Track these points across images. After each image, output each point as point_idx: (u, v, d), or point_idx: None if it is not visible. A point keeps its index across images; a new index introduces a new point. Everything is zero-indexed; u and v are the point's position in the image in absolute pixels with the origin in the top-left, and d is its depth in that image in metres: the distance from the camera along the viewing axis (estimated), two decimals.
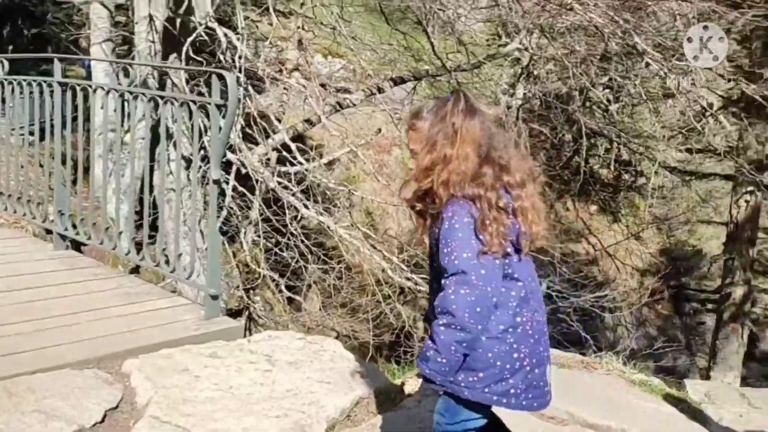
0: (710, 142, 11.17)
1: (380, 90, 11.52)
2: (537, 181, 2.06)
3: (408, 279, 9.69)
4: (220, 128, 3.40)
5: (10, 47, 23.35)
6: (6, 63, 4.51)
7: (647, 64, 9.48)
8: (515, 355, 1.93)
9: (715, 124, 10.97)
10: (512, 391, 1.94)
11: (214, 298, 3.61)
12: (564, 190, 13.79)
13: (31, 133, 5.01)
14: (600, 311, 10.16)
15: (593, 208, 14.91)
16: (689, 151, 12.01)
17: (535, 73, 13.40)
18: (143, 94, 3.62)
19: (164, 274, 4.35)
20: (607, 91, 13.84)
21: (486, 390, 1.94)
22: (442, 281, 1.91)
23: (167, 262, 3.78)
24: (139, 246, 4.05)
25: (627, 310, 11.03)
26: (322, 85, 10.91)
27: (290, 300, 9.75)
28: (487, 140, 1.98)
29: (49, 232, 5.77)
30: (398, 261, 9.84)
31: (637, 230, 14.41)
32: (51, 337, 3.11)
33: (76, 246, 4.45)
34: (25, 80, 4.35)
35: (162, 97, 3.64)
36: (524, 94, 13.76)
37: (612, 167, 15.30)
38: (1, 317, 3.28)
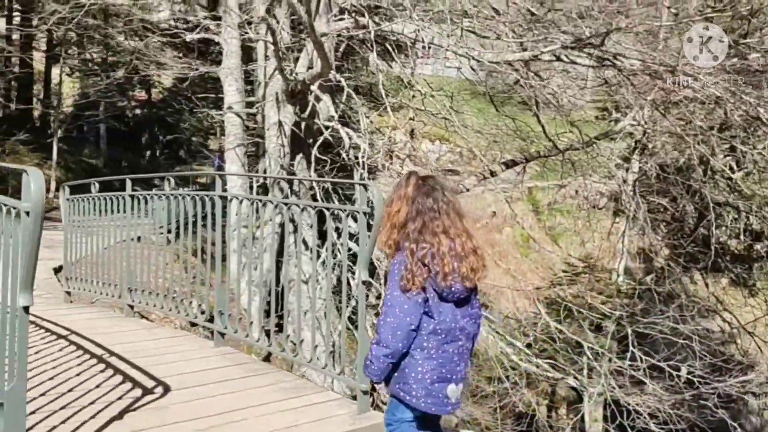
0: None
1: (492, 173, 11.69)
2: (466, 236, 2.65)
3: (531, 363, 9.49)
4: (368, 234, 3.71)
5: (148, 152, 25.90)
6: (172, 180, 5.10)
7: None
8: (419, 368, 2.60)
9: None
10: (413, 392, 2.61)
11: (365, 393, 3.80)
12: (689, 266, 13.15)
13: (169, 231, 5.61)
14: (743, 394, 9.44)
15: (724, 281, 14.07)
16: None
17: (650, 145, 13.17)
18: (297, 205, 4.00)
19: (301, 363, 4.60)
20: (729, 158, 13.33)
21: (397, 386, 2.65)
22: (381, 310, 2.64)
23: (319, 358, 4.04)
24: (269, 333, 4.36)
25: None
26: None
27: None
28: (419, 204, 2.63)
29: (193, 324, 6.27)
30: (521, 345, 9.68)
31: None
32: None
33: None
34: (189, 194, 4.91)
35: (315, 207, 4.01)
36: (639, 167, 13.50)
37: (742, 237, 14.47)
38: (175, 414, 3.61)
